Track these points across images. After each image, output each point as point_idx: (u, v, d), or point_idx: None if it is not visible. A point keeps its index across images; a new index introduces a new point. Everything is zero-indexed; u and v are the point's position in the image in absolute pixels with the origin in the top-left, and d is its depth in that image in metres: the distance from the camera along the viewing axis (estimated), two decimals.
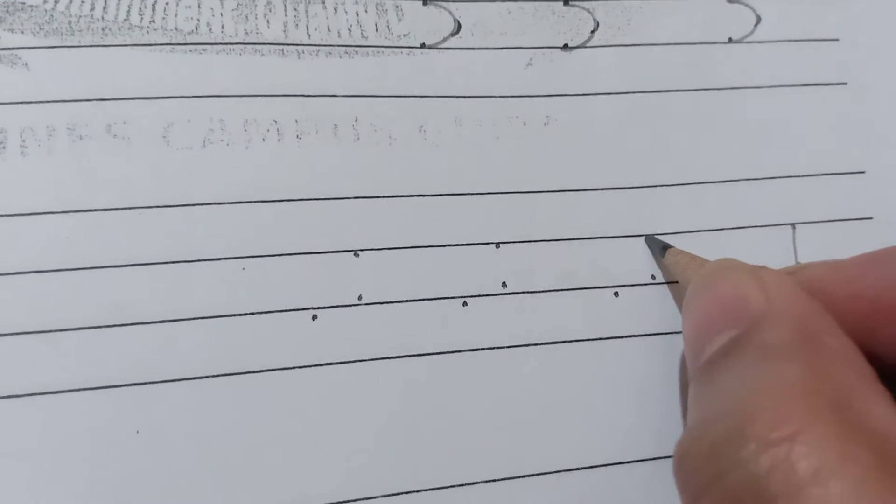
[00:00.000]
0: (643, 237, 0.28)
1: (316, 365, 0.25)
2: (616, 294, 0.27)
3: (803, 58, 0.30)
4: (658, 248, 0.27)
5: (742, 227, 0.28)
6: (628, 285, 0.27)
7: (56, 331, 0.24)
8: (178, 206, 0.25)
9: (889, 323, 0.21)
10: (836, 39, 0.30)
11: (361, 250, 0.26)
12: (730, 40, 0.30)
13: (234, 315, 0.25)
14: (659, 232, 0.28)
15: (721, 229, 0.28)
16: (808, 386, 0.17)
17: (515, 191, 0.27)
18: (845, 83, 0.30)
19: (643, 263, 0.27)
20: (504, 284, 0.27)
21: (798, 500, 0.16)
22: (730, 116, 0.29)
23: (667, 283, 0.27)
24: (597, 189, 0.28)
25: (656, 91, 0.29)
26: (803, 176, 0.29)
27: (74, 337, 0.24)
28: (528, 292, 0.27)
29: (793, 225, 0.29)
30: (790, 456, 0.16)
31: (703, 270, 0.23)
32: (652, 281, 0.27)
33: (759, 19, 0.30)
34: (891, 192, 0.29)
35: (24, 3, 0.25)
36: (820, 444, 0.16)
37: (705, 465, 0.17)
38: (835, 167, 0.29)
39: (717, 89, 0.29)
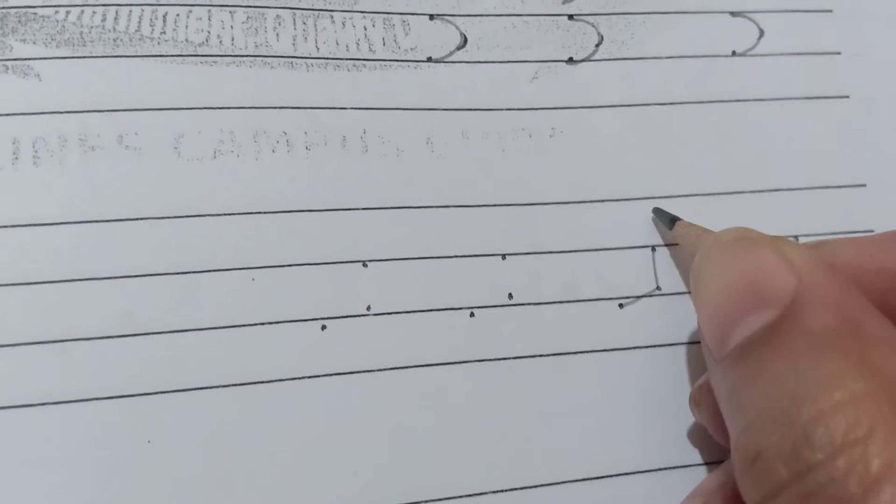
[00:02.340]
0: (651, 215, 0.28)
1: (325, 375, 0.25)
2: (620, 306, 0.27)
3: (806, 71, 0.30)
4: (666, 220, 0.27)
5: None
6: (633, 297, 0.27)
7: (66, 340, 0.24)
8: (188, 216, 0.25)
9: None
10: (839, 53, 0.31)
11: (370, 261, 0.26)
12: (733, 53, 0.30)
13: (244, 325, 0.25)
14: (661, 244, 0.28)
15: None
16: (869, 384, 0.18)
17: (521, 202, 0.28)
18: (847, 96, 0.30)
19: (648, 275, 0.28)
20: (510, 296, 0.27)
21: (874, 498, 0.17)
22: (732, 129, 0.29)
23: (667, 245, 0.28)
24: (602, 201, 0.28)
25: (660, 104, 0.29)
26: (805, 188, 0.29)
27: (85, 347, 0.24)
28: (533, 303, 0.27)
29: (794, 237, 0.29)
30: (865, 457, 0.17)
31: (715, 240, 0.23)
32: (657, 292, 0.28)
33: (762, 33, 0.30)
34: (892, 205, 0.29)
35: (36, 14, 0.25)
36: (888, 443, 0.17)
37: (782, 466, 0.18)
38: (836, 180, 0.29)
39: (721, 102, 0.30)
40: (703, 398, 0.24)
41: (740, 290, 0.20)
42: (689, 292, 0.26)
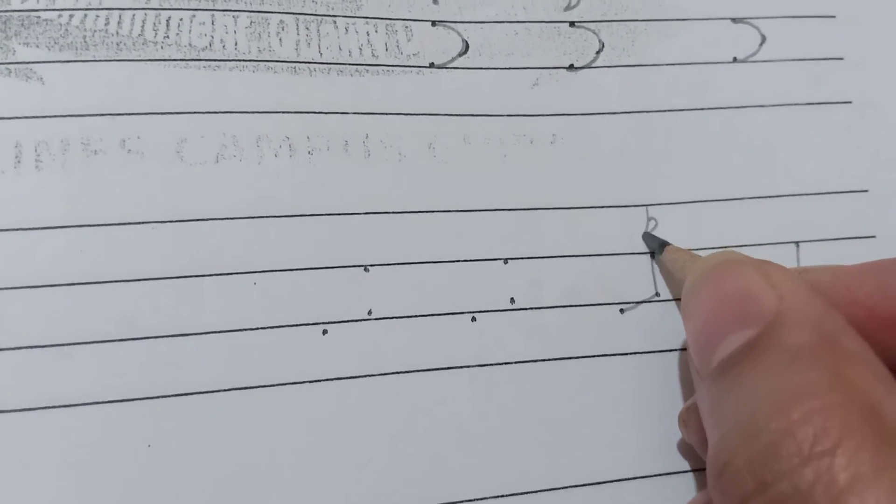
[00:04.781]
0: (642, 236, 0.28)
1: (326, 379, 0.25)
2: (621, 311, 0.27)
3: (808, 77, 0.30)
4: (656, 244, 0.27)
5: (745, 245, 0.29)
6: (633, 302, 0.27)
7: (69, 344, 0.24)
8: (190, 220, 0.25)
9: (884, 331, 0.21)
10: (841, 58, 0.31)
11: (371, 265, 0.26)
12: (734, 60, 0.30)
13: (246, 329, 0.25)
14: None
15: (724, 247, 0.28)
16: (840, 396, 0.18)
17: (523, 207, 0.28)
18: (850, 102, 0.30)
19: (648, 280, 0.28)
20: (512, 300, 0.27)
21: None
22: (734, 135, 0.30)
23: (663, 276, 0.28)
24: (602, 206, 0.28)
25: (661, 110, 0.29)
26: (807, 194, 0.29)
27: (87, 350, 0.24)
28: (535, 308, 0.27)
29: (796, 243, 0.29)
30: (831, 468, 0.17)
31: (703, 264, 0.23)
32: (657, 298, 0.28)
33: (763, 39, 0.31)
34: (893, 211, 0.29)
35: (39, 18, 0.26)
36: (856, 456, 0.17)
37: (749, 476, 0.18)
38: (838, 186, 0.29)
39: (722, 108, 0.30)
40: (691, 418, 0.25)
41: (724, 310, 0.21)
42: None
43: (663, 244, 0.27)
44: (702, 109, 0.30)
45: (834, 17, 0.31)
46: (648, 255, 0.28)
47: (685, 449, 0.26)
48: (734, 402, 0.20)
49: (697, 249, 0.28)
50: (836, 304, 0.21)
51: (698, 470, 0.26)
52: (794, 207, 0.29)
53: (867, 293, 0.22)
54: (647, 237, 0.28)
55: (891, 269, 0.22)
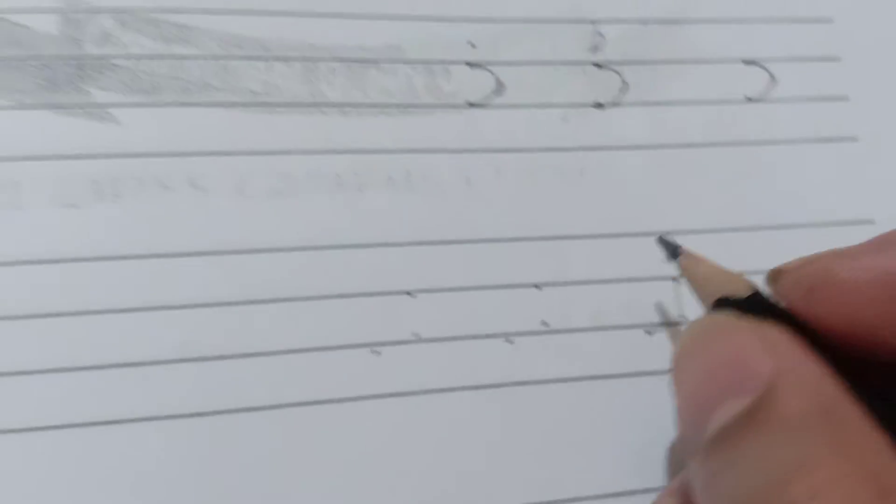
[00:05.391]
0: (657, 238, 0.28)
1: (375, 397, 0.27)
2: (648, 332, 0.29)
3: (816, 115, 0.33)
4: (670, 250, 0.27)
5: (759, 272, 0.31)
6: (658, 324, 0.29)
7: (139, 364, 0.26)
8: (251, 251, 0.27)
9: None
10: (847, 98, 0.33)
11: (416, 291, 0.28)
12: (747, 99, 0.32)
13: (301, 350, 0.27)
14: None
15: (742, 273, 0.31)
16: (843, 468, 0.17)
17: (553, 236, 0.30)
18: (855, 138, 0.32)
19: (672, 304, 0.30)
20: (545, 323, 0.29)
21: None
22: (747, 169, 0.32)
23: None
24: (628, 234, 0.30)
25: (680, 145, 0.32)
26: (816, 225, 0.31)
27: (153, 370, 0.26)
28: (566, 331, 0.29)
29: None
30: None
31: (692, 328, 0.22)
32: (682, 320, 0.30)
33: (773, 79, 0.33)
34: None
35: (113, 64, 0.28)
36: None
37: None
38: (846, 216, 0.32)
39: (736, 144, 0.32)
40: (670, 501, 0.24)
41: (717, 377, 0.20)
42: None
43: (677, 251, 0.27)
44: (717, 145, 0.32)
45: (839, 59, 0.33)
46: (671, 281, 0.30)
47: None
48: (731, 478, 0.19)
49: None
50: (859, 288, 0.20)
51: None
52: (804, 237, 0.31)
53: (893, 265, 0.20)
54: (662, 241, 0.28)
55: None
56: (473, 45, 0.31)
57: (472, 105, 0.30)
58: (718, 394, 0.19)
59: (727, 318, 0.22)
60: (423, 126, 0.30)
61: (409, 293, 0.28)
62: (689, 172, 0.31)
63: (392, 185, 0.29)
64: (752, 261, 0.30)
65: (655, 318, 0.30)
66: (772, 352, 0.19)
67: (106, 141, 0.27)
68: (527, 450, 0.28)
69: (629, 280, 0.30)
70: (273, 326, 0.27)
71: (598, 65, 0.32)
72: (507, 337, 0.29)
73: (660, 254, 0.30)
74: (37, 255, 0.26)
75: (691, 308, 0.30)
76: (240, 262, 0.27)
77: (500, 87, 0.31)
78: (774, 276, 0.23)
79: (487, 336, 0.28)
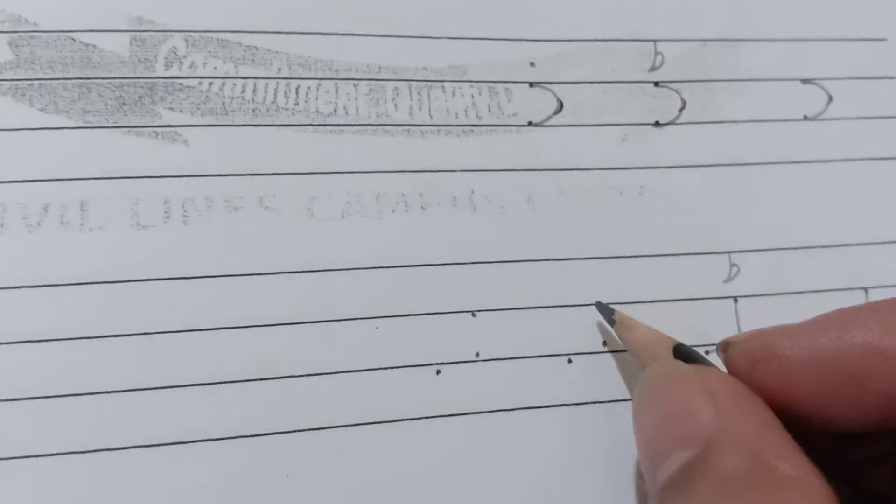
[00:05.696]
0: (595, 304, 0.29)
1: (440, 416, 0.28)
2: (706, 352, 0.30)
3: (872, 133, 0.33)
4: (607, 315, 0.28)
5: (818, 291, 0.31)
6: (715, 344, 0.30)
7: (217, 383, 0.26)
8: (320, 270, 0.28)
9: (844, 386, 0.21)
10: None
11: (478, 311, 0.29)
12: (804, 118, 0.33)
13: (370, 370, 0.27)
14: (742, 294, 0.30)
15: (800, 292, 0.31)
16: None
17: (613, 255, 0.30)
18: None
19: (731, 322, 0.30)
20: (604, 343, 0.29)
21: None
22: (806, 187, 0.32)
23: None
24: (687, 253, 0.31)
25: (739, 164, 0.32)
26: (875, 243, 0.32)
27: (232, 388, 0.26)
28: (623, 350, 0.29)
29: (865, 289, 0.31)
30: None
31: (647, 376, 0.24)
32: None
33: (830, 98, 0.33)
34: None
35: (182, 84, 0.28)
36: None
37: None
38: None
39: (794, 163, 0.32)
40: None
41: (665, 428, 0.21)
42: None
43: (612, 315, 0.28)
44: (775, 163, 0.32)
45: (894, 77, 0.34)
46: (732, 300, 0.30)
47: None
48: None
49: (778, 294, 0.30)
50: (792, 364, 0.21)
51: None
52: (862, 255, 0.32)
53: (823, 348, 0.21)
54: (600, 306, 0.29)
55: (842, 322, 0.22)
56: (534, 66, 0.31)
57: (533, 125, 0.31)
58: (668, 445, 0.21)
59: (676, 368, 0.23)
60: (485, 146, 0.30)
61: (471, 313, 0.28)
62: (748, 191, 0.32)
63: (455, 205, 0.29)
64: (812, 280, 0.31)
65: (716, 337, 0.30)
66: (713, 403, 0.21)
67: (175, 162, 0.27)
68: (589, 468, 0.28)
69: (689, 299, 0.30)
70: (341, 346, 0.27)
71: (656, 83, 0.32)
72: (568, 357, 0.29)
73: (719, 272, 0.30)
74: (104, 276, 0.27)
75: (750, 327, 0.30)
76: (307, 281, 0.27)
77: (560, 107, 0.31)
78: (724, 346, 0.25)
79: (549, 356, 0.29)
